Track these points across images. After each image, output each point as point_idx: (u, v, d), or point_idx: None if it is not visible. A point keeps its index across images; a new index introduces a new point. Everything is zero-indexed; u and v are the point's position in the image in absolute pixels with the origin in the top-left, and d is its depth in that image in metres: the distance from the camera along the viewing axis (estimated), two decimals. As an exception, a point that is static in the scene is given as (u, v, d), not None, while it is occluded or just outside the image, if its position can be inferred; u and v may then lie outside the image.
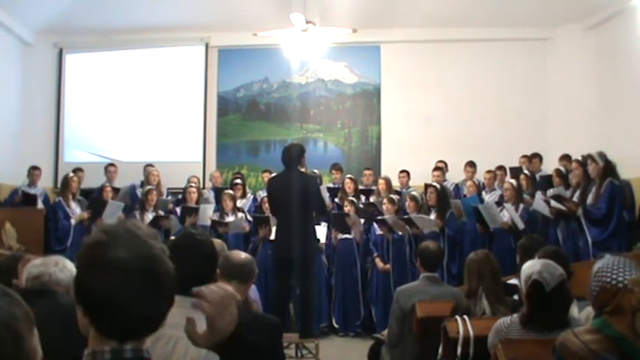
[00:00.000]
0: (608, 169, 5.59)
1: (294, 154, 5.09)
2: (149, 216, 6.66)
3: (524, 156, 7.46)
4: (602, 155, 5.64)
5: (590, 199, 5.63)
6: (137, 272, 1.08)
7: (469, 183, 6.97)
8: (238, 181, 7.52)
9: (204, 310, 1.14)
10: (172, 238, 5.00)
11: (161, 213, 6.79)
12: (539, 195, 6.03)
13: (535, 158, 7.36)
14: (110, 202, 6.76)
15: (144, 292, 1.08)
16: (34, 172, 7.26)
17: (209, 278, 1.85)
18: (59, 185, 7.48)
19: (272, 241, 5.81)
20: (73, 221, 6.73)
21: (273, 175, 6.00)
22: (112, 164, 7.85)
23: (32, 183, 7.27)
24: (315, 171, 7.07)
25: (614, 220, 5.47)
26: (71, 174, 7.16)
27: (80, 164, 8.05)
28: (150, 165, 7.73)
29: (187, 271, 1.78)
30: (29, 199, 6.92)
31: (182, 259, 1.78)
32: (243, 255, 2.73)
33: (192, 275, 1.79)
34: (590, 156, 5.70)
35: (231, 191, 7.03)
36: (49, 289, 2.09)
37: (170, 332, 1.66)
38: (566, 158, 6.70)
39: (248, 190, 7.81)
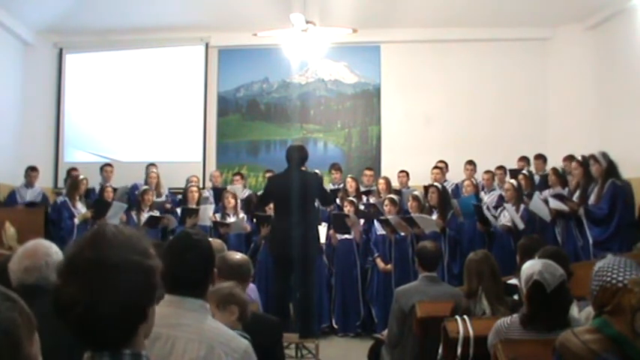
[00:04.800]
0: (611, 169, 5.59)
1: (297, 155, 5.12)
2: (145, 216, 6.68)
3: (522, 158, 7.43)
4: (605, 155, 5.65)
5: (592, 199, 5.63)
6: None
7: (467, 183, 6.95)
8: (239, 177, 7.53)
9: None
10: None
11: (157, 213, 6.80)
12: (536, 196, 6.00)
13: (539, 159, 7.33)
14: (114, 203, 6.78)
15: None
16: (31, 173, 7.26)
17: (207, 278, 1.85)
18: (65, 185, 7.49)
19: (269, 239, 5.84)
20: (76, 221, 6.74)
21: (274, 173, 6.01)
22: (108, 164, 7.84)
23: (29, 184, 7.26)
24: (317, 171, 7.07)
25: (616, 220, 5.47)
26: (81, 175, 7.17)
27: (80, 164, 8.06)
28: (152, 165, 7.74)
29: (184, 272, 1.79)
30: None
31: (179, 260, 1.78)
32: (238, 255, 2.78)
33: (189, 275, 1.79)
34: (592, 156, 5.70)
35: (231, 188, 7.05)
36: (46, 288, 2.08)
37: (168, 332, 1.66)
38: (569, 158, 6.66)
39: (248, 190, 7.83)
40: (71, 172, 7.49)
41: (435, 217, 6.42)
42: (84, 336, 1.10)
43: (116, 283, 1.08)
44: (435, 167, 7.33)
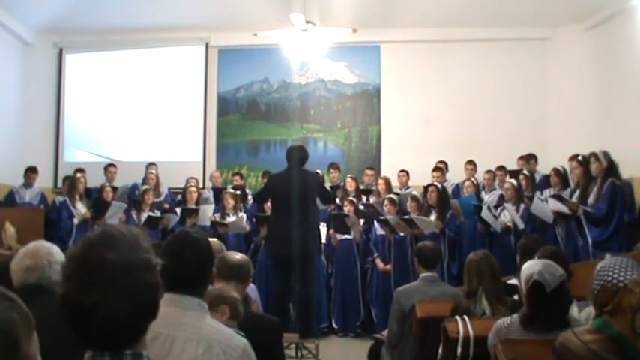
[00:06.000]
0: (611, 168, 5.59)
1: (297, 155, 5.12)
2: (145, 216, 6.70)
3: (522, 157, 7.44)
4: (606, 155, 5.64)
5: (591, 199, 5.62)
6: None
7: (467, 183, 6.96)
8: (238, 192, 7.31)
9: None
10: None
11: (157, 213, 6.81)
12: (537, 199, 5.98)
13: (531, 159, 7.34)
14: (113, 202, 6.79)
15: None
16: (30, 174, 7.26)
17: (205, 277, 1.84)
18: (63, 185, 7.50)
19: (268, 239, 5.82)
20: (75, 221, 6.75)
21: (274, 173, 5.99)
22: (112, 164, 7.86)
23: (28, 185, 7.26)
24: (318, 171, 7.08)
25: (615, 220, 5.47)
26: (78, 174, 7.17)
27: (80, 164, 8.06)
28: (152, 164, 7.75)
29: (183, 269, 1.78)
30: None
31: (177, 257, 1.78)
32: (238, 255, 2.78)
33: (188, 273, 1.79)
34: (594, 154, 5.70)
35: (232, 190, 7.04)
36: (47, 288, 2.09)
37: (166, 331, 1.66)
38: (574, 158, 6.61)
39: (248, 191, 7.81)
40: (76, 173, 7.48)
41: (433, 217, 6.42)
42: (92, 337, 1.10)
43: (130, 282, 1.09)
44: (435, 169, 7.30)
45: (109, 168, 7.74)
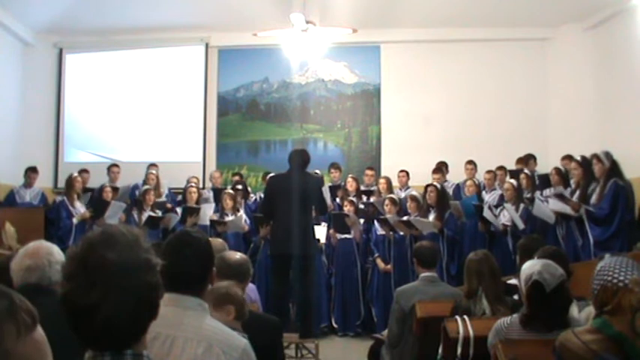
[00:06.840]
0: (614, 169, 5.59)
1: (299, 159, 5.12)
2: (146, 216, 6.69)
3: (520, 159, 7.44)
4: (608, 155, 5.64)
5: (593, 199, 5.62)
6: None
7: (469, 183, 6.97)
8: (239, 187, 7.39)
9: None
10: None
11: (158, 213, 6.81)
12: (538, 201, 5.98)
13: (529, 160, 7.34)
14: (113, 202, 6.78)
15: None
16: (31, 174, 7.26)
17: (205, 276, 1.84)
18: (61, 185, 7.49)
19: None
20: (75, 220, 6.75)
21: (275, 174, 5.98)
22: (115, 165, 7.87)
23: (28, 185, 7.26)
24: (317, 172, 7.08)
25: (617, 220, 5.46)
26: (75, 174, 7.18)
27: (80, 164, 8.06)
28: (153, 165, 7.75)
29: (182, 268, 1.78)
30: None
31: (177, 256, 1.78)
32: (238, 255, 2.78)
33: (187, 274, 1.79)
34: (596, 155, 5.70)
35: (231, 190, 7.04)
36: (47, 288, 2.09)
37: (166, 331, 1.65)
38: (568, 158, 6.67)
39: (250, 190, 7.81)
40: (81, 174, 7.48)
41: (432, 216, 6.43)
42: (92, 337, 1.09)
43: (130, 282, 1.09)
44: (435, 170, 7.30)
45: (112, 168, 7.76)
